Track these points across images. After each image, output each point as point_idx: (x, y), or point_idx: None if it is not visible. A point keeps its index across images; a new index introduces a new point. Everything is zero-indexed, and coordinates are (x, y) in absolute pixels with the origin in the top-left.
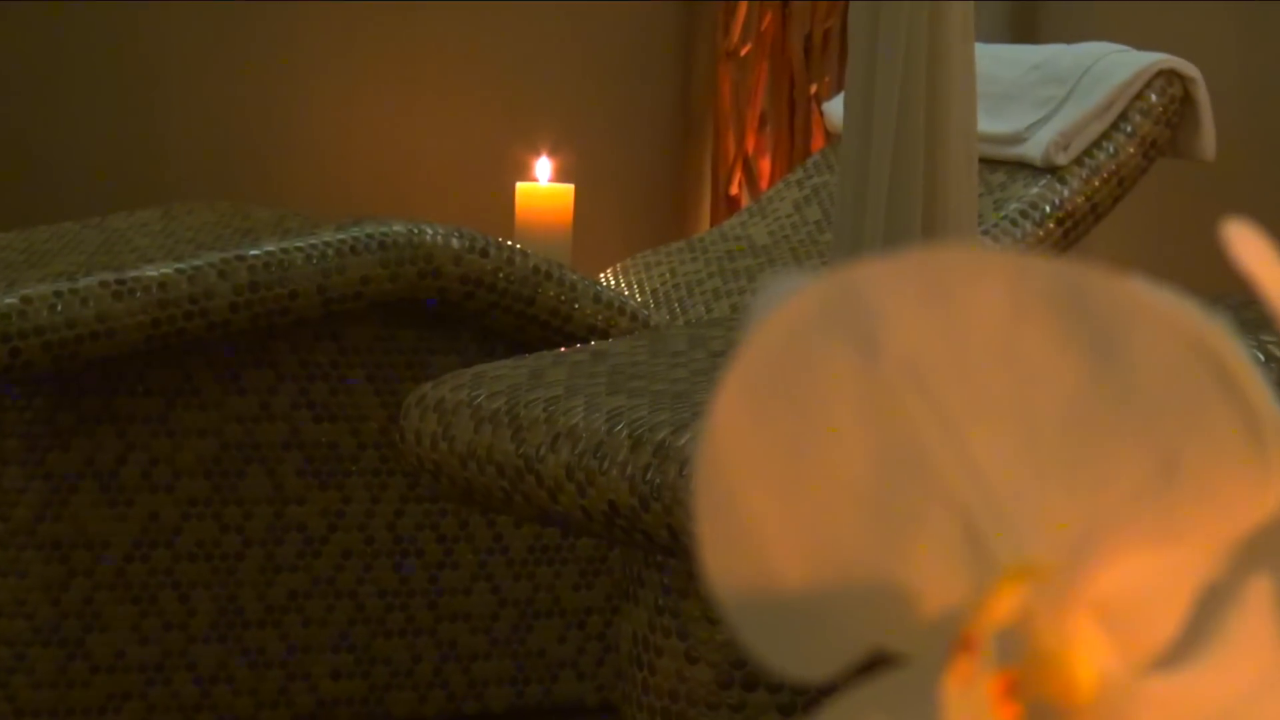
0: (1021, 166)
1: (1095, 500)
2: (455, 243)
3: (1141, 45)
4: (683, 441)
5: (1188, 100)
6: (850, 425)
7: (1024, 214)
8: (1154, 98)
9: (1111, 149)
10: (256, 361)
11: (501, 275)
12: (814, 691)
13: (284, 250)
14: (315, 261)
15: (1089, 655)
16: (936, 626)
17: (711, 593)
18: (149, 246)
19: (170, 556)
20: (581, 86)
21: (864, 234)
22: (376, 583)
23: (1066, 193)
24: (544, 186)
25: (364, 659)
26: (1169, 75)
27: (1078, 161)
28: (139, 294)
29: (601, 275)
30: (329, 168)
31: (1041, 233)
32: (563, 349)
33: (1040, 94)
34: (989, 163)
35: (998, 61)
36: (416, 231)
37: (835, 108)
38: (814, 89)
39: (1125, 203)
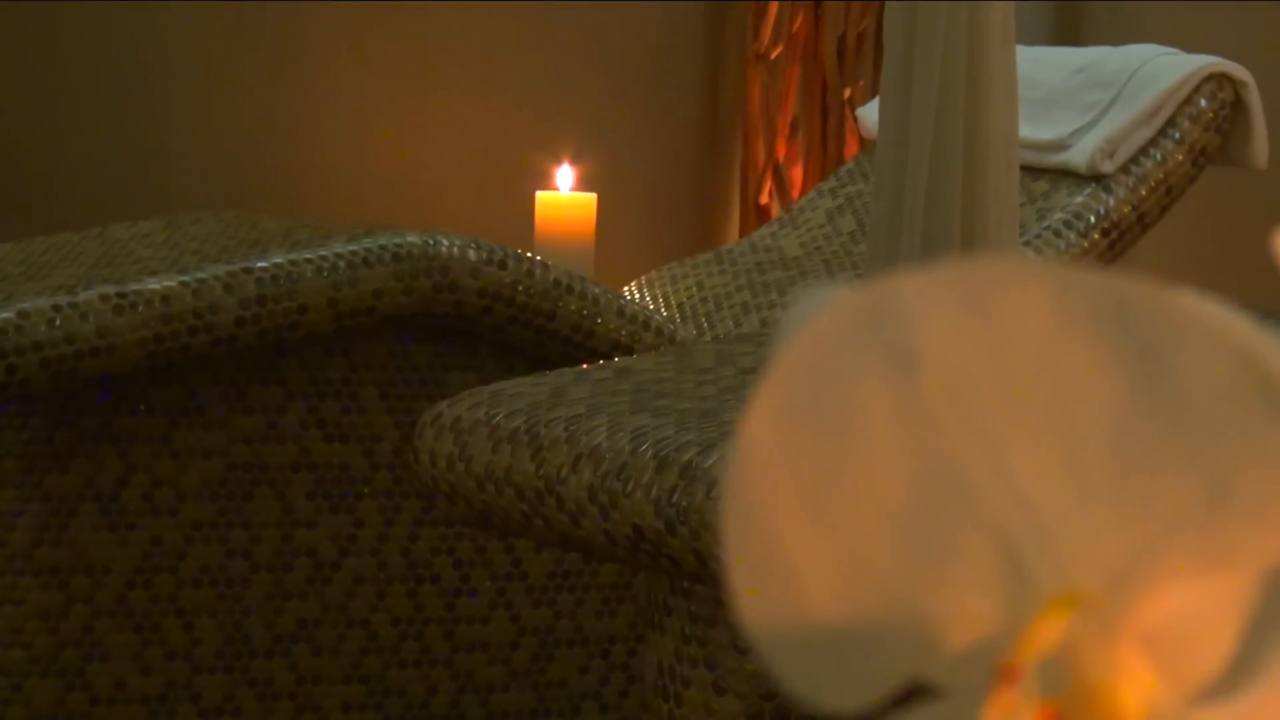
0: (1065, 175)
1: (1142, 524)
2: (472, 254)
3: (1190, 47)
4: (710, 462)
5: (1239, 105)
6: (886, 445)
7: (1068, 224)
8: (1203, 103)
9: (1159, 156)
10: (264, 379)
11: (521, 288)
12: None
13: (293, 262)
14: (326, 274)
15: (1135, 686)
16: (976, 656)
17: (741, 621)
18: (151, 258)
19: (174, 583)
20: (604, 91)
21: (900, 245)
22: (390, 610)
23: (1112, 202)
24: (565, 195)
25: (377, 690)
26: (1219, 79)
27: (1124, 169)
28: (141, 308)
29: (625, 288)
30: (340, 176)
31: (1086, 244)
32: (585, 365)
33: (1084, 99)
34: (1031, 171)
35: (1040, 65)
36: (432, 243)
37: (870, 113)
38: (848, 93)
39: (1173, 213)
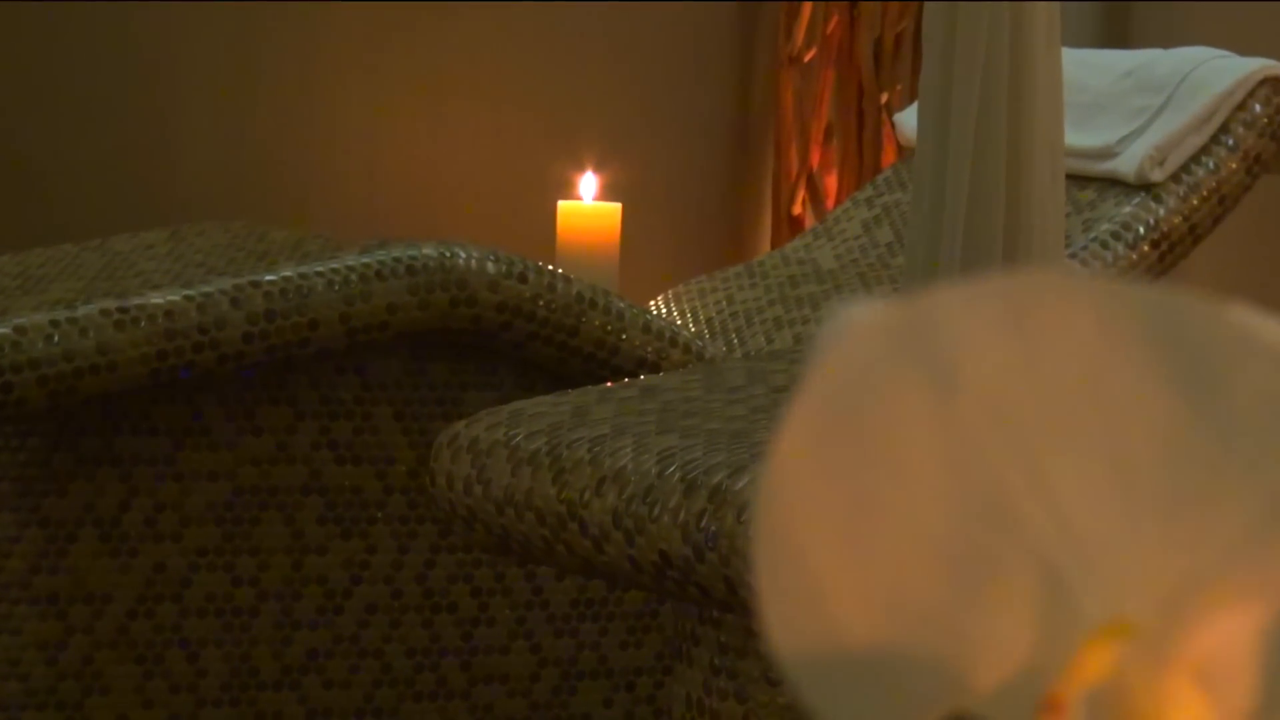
0: (1113, 184)
1: (1193, 550)
2: (491, 267)
3: (1244, 50)
4: (741, 485)
5: None
6: (924, 466)
7: (1115, 235)
8: (1258, 108)
9: (1211, 164)
10: (273, 398)
11: (542, 303)
12: None
13: (303, 276)
14: (337, 288)
15: (1186, 718)
16: (1018, 687)
17: (772, 651)
18: (155, 271)
19: (178, 612)
20: (629, 95)
21: (940, 258)
22: (404, 641)
23: (1162, 212)
24: (588, 205)
25: None
26: (1275, 83)
27: (1174, 178)
28: (144, 323)
29: (651, 303)
30: (352, 184)
31: (1135, 256)
32: (609, 384)
33: (1133, 104)
34: (1077, 179)
35: (1087, 68)
36: (448, 255)
37: (908, 119)
38: (885, 98)
39: (1227, 223)
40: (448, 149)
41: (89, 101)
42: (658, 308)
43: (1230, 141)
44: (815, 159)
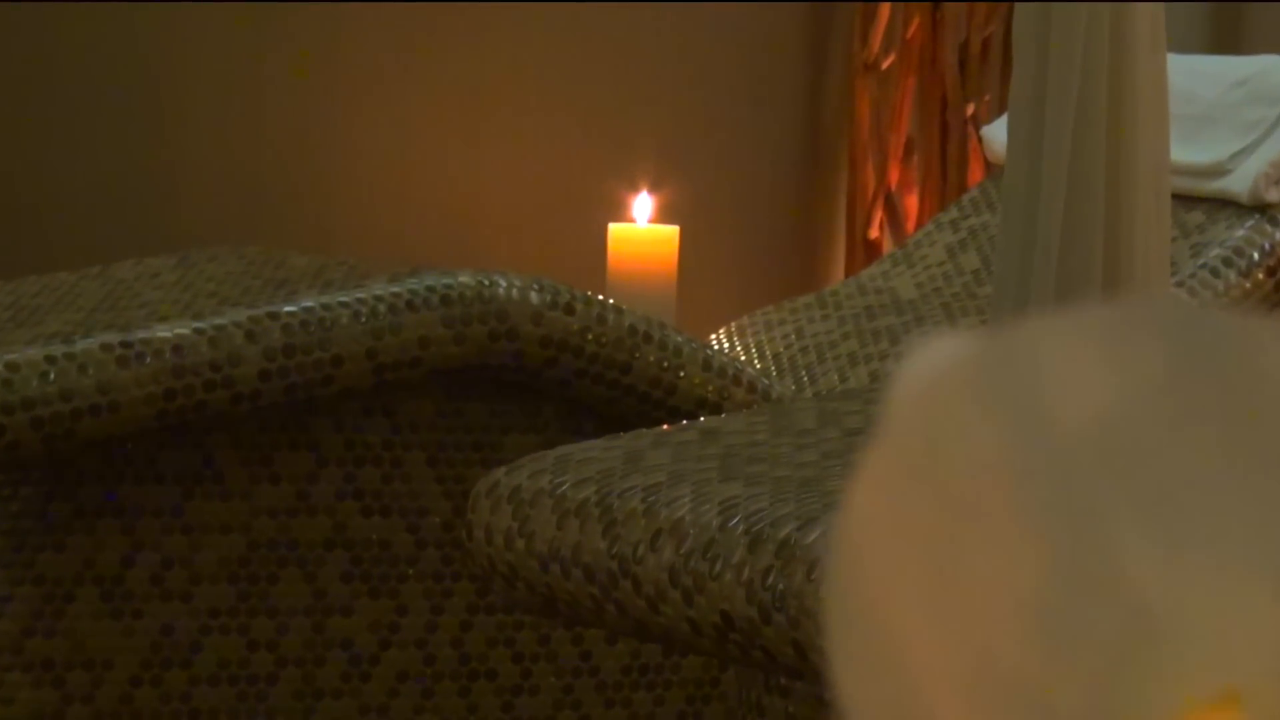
0: (1224, 204)
1: None
2: (534, 297)
3: None
4: (811, 539)
5: None
6: (1014, 520)
7: (1227, 262)
8: None
9: None
10: (292, 442)
11: (591, 337)
12: None
13: (326, 306)
14: (364, 320)
15: None
16: None
17: None
18: (162, 301)
19: (187, 679)
20: (688, 106)
21: (1032, 286)
22: (438, 711)
23: (1279, 236)
24: (643, 228)
25: None
26: None
27: None
28: (149, 359)
29: (713, 336)
30: (380, 205)
31: (1249, 284)
32: (665, 426)
33: (1246, 116)
34: (1184, 199)
35: (1195, 76)
36: (487, 283)
37: (997, 133)
38: (971, 110)
39: None
40: (486, 166)
41: (87, 112)
42: (719, 342)
43: None
44: (894, 177)
